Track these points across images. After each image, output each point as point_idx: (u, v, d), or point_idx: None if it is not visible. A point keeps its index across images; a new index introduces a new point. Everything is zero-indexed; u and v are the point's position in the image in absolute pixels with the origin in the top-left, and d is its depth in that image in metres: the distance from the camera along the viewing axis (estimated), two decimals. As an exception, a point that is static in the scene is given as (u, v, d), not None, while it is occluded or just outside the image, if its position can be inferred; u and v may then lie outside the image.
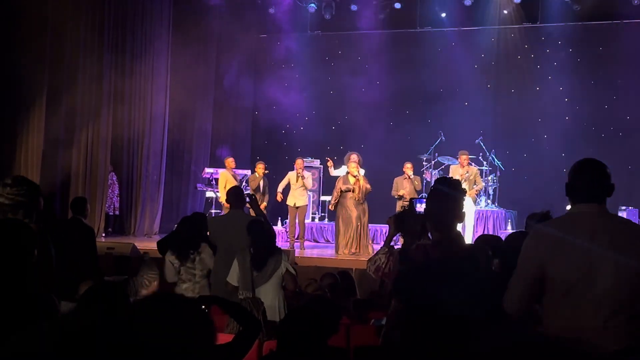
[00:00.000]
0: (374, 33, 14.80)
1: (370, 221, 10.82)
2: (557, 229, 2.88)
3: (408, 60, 14.61)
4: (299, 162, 11.38)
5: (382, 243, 11.63)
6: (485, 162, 12.85)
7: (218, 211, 12.49)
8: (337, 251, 10.62)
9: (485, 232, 11.70)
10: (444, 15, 14.35)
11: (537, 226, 3.01)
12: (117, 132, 12.48)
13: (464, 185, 10.60)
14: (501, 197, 12.98)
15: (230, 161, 11.86)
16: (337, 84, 15.04)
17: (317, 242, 12.70)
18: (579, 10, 13.41)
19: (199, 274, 5.85)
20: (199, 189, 13.40)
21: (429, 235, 3.47)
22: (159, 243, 6.44)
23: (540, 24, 14.09)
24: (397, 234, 5.23)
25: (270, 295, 5.10)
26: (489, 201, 12.67)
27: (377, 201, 10.95)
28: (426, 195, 3.83)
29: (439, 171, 12.80)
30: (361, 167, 10.80)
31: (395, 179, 11.32)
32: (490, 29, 14.47)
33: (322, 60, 15.33)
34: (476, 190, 11.32)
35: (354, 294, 6.29)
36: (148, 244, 10.96)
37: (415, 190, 11.06)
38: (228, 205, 11.25)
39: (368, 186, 10.42)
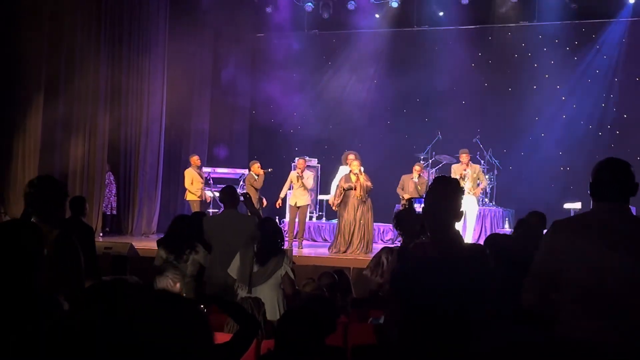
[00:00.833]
0: (371, 32, 14.80)
1: (371, 219, 10.82)
2: (574, 227, 2.88)
3: (405, 59, 14.62)
4: (300, 162, 11.40)
5: (380, 242, 11.69)
6: (482, 161, 12.86)
7: (216, 210, 12.47)
8: (329, 248, 10.65)
9: (483, 231, 11.73)
10: (441, 14, 14.36)
11: (556, 221, 3.02)
12: (114, 131, 12.45)
13: (467, 184, 10.62)
14: (498, 196, 12.99)
15: (195, 159, 11.95)
16: (334, 83, 15.05)
17: (315, 241, 12.71)
18: (575, 8, 13.42)
19: (190, 272, 5.86)
20: (196, 188, 13.39)
21: (428, 234, 3.47)
22: (159, 242, 6.44)
23: (537, 23, 14.10)
24: (397, 233, 5.24)
25: (268, 295, 5.10)
26: (486, 200, 12.68)
27: (376, 200, 10.95)
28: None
29: (436, 170, 12.81)
30: (344, 165, 10.92)
31: (403, 176, 11.41)
32: (487, 28, 14.49)
33: (320, 59, 15.33)
34: (481, 189, 11.33)
35: (349, 293, 6.30)
36: (146, 244, 10.95)
37: (418, 194, 11.08)
38: (191, 200, 11.40)
39: (369, 183, 10.44)
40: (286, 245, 10.60)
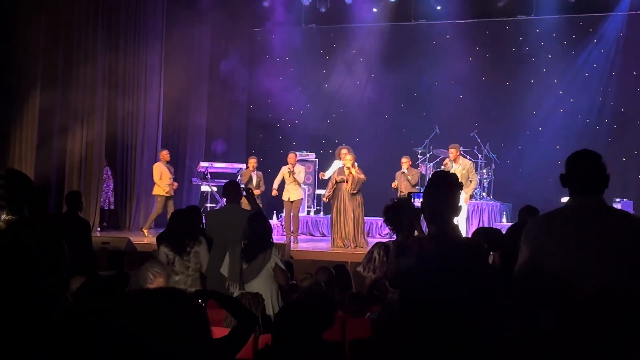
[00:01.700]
0: (368, 26, 14.79)
1: (365, 214, 10.82)
2: (552, 220, 2.89)
3: (403, 53, 14.61)
4: (291, 157, 11.35)
5: (377, 236, 11.68)
6: (480, 155, 12.87)
7: (213, 205, 12.49)
8: (332, 244, 10.63)
9: (481, 225, 11.72)
10: (438, 8, 14.35)
11: (537, 215, 3.03)
12: (112, 126, 12.43)
13: None
14: (496, 190, 13.00)
15: (164, 154, 11.82)
16: (331, 77, 15.04)
17: (313, 235, 12.71)
18: (573, 2, 13.41)
19: (193, 267, 5.86)
20: (194, 182, 13.40)
21: (425, 228, 3.47)
22: (158, 237, 6.45)
23: (534, 17, 14.09)
24: (388, 228, 5.22)
25: (261, 290, 5.08)
26: (484, 194, 12.69)
27: (372, 194, 10.94)
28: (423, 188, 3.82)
29: (434, 164, 12.81)
30: (337, 159, 10.93)
31: (397, 173, 11.43)
32: (485, 22, 14.48)
33: (317, 54, 15.30)
34: (471, 189, 11.04)
35: (349, 287, 6.29)
36: (143, 239, 10.95)
37: (410, 185, 11.06)
38: (158, 195, 11.37)
39: (362, 176, 10.42)
40: (284, 240, 10.63)
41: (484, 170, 12.78)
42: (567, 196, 3.02)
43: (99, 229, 11.87)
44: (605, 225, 2.80)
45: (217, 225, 6.27)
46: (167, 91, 13.29)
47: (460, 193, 3.09)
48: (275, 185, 11.41)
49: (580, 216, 2.85)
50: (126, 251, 8.56)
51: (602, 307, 2.70)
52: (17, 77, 11.21)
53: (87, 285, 3.09)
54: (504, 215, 12.28)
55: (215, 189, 12.81)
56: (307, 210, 13.36)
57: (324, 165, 13.31)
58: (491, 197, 12.79)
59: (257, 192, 10.77)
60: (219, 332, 3.54)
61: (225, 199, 6.85)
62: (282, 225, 11.85)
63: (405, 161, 11.29)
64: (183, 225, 5.98)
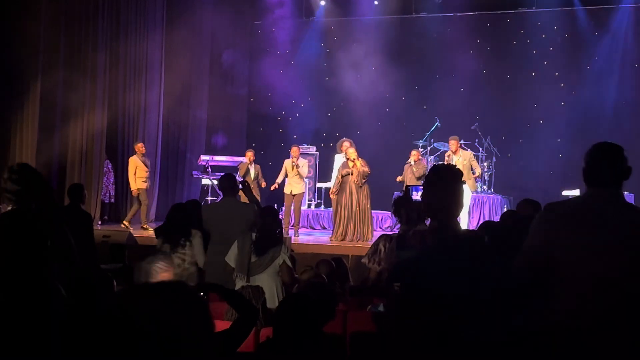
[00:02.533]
0: (369, 19, 14.75)
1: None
2: (564, 211, 2.87)
3: (404, 46, 14.58)
4: (294, 150, 11.37)
5: (379, 229, 11.70)
6: (481, 148, 12.86)
7: (214, 198, 12.49)
8: (334, 237, 10.63)
9: (481, 218, 11.74)
10: (439, 0, 14.31)
11: (549, 203, 3.02)
12: (112, 119, 12.43)
13: None
14: (497, 183, 13.00)
15: (140, 146, 11.67)
16: (332, 70, 15.00)
17: (313, 228, 12.72)
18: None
19: (189, 260, 5.87)
20: (194, 176, 13.40)
21: (426, 221, 3.47)
22: (156, 230, 6.45)
23: (536, 9, 14.06)
24: (395, 220, 5.24)
25: (267, 284, 5.10)
26: (484, 187, 12.68)
27: (374, 187, 10.95)
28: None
29: (435, 157, 12.80)
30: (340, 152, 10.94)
31: (405, 165, 11.45)
32: (486, 14, 14.44)
33: (318, 47, 15.27)
34: (476, 177, 11.29)
35: (347, 280, 6.31)
36: (144, 232, 10.96)
37: (415, 177, 11.07)
38: (137, 192, 11.32)
39: (366, 169, 10.42)
40: (286, 234, 10.65)
41: (485, 164, 12.77)
42: (568, 189, 3.01)
43: (99, 223, 11.88)
44: (618, 218, 2.78)
45: (214, 219, 6.26)
46: (167, 84, 13.27)
47: (462, 187, 3.08)
48: (280, 179, 11.43)
49: (593, 208, 2.83)
50: (127, 245, 8.57)
51: (610, 299, 2.69)
52: (17, 70, 11.20)
53: (92, 278, 3.10)
54: (505, 209, 12.26)
55: (215, 182, 12.79)
56: (308, 204, 13.37)
57: (324, 158, 13.32)
58: (492, 190, 12.78)
59: (263, 184, 10.86)
60: (221, 325, 3.55)
61: (222, 192, 6.85)
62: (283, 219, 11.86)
63: (414, 153, 11.34)
64: (181, 218, 5.98)
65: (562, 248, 2.79)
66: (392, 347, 3.12)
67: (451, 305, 2.85)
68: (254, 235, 5.41)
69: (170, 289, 1.80)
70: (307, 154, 13.70)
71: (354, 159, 10.40)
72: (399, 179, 11.31)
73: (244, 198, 6.97)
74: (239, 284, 5.25)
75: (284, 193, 11.41)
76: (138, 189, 11.38)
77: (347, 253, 8.85)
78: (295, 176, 11.16)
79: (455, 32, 14.33)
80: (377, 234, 8.32)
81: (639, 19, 13.41)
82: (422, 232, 3.25)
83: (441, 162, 10.77)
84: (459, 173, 3.08)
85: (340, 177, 10.55)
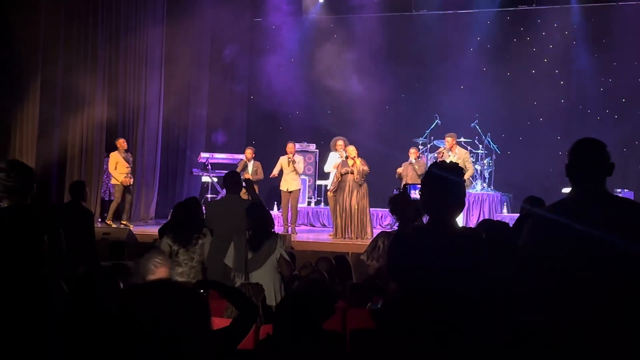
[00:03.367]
0: (369, 16, 14.74)
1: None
2: (554, 215, 2.87)
3: (403, 43, 14.58)
4: (290, 147, 11.34)
5: (378, 227, 11.71)
6: (481, 146, 12.85)
7: (214, 196, 12.50)
8: (335, 235, 10.63)
9: (481, 216, 11.74)
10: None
11: (536, 212, 3.00)
12: (112, 117, 12.42)
13: None
14: (497, 181, 12.99)
15: (121, 142, 11.65)
16: (332, 68, 14.98)
17: (313, 226, 12.72)
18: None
19: (197, 258, 5.86)
20: (194, 173, 13.40)
21: (424, 219, 3.47)
22: (160, 229, 6.45)
23: (536, 7, 14.06)
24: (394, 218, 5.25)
25: (265, 280, 5.11)
26: (484, 184, 12.68)
27: (373, 185, 10.96)
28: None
29: (434, 155, 12.80)
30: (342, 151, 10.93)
31: (403, 164, 11.43)
32: (486, 12, 14.43)
33: (317, 44, 15.25)
34: (467, 177, 11.20)
35: (350, 278, 6.31)
36: (144, 230, 10.97)
37: (417, 175, 11.08)
38: (115, 184, 11.27)
39: (365, 167, 10.42)
40: (281, 231, 10.64)
41: (485, 161, 12.77)
42: (567, 187, 3.00)
43: (99, 220, 11.88)
44: (606, 212, 2.78)
45: (217, 216, 6.28)
46: (167, 82, 13.27)
47: (462, 184, 3.08)
48: (275, 172, 11.39)
49: (581, 205, 2.83)
50: (127, 242, 8.58)
51: (608, 298, 2.69)
52: (17, 67, 11.19)
53: (87, 274, 3.10)
54: (505, 206, 12.28)
55: (215, 179, 12.82)
56: (308, 201, 13.37)
57: (324, 156, 13.32)
58: (492, 187, 12.78)
59: (256, 176, 10.99)
60: (221, 322, 3.56)
61: (225, 190, 6.87)
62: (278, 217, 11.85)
63: (413, 152, 11.36)
64: (187, 216, 5.97)
65: (556, 252, 2.79)
66: (391, 345, 3.12)
67: (449, 303, 2.85)
68: (247, 233, 5.42)
69: (170, 288, 1.80)
70: (307, 151, 13.71)
71: (354, 157, 10.40)
72: (399, 170, 11.32)
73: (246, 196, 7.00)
74: (238, 282, 5.26)
75: (280, 190, 11.40)
76: (115, 185, 11.45)
77: (347, 251, 8.85)
78: (292, 172, 11.14)
79: (455, 29, 14.32)
80: (377, 231, 8.32)
81: (638, 17, 13.38)
82: (420, 229, 3.25)
83: (438, 160, 10.78)
84: (460, 170, 3.09)
85: (339, 175, 10.54)
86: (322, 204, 13.54)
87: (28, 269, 2.75)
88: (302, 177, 12.09)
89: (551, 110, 13.97)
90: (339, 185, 10.54)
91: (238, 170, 11.18)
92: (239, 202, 6.43)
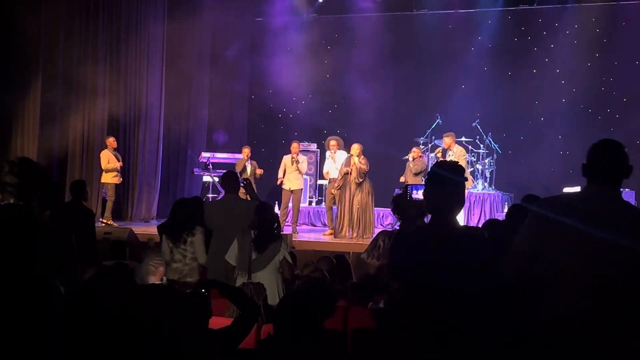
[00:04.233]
0: (370, 16, 14.74)
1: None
2: (558, 207, 2.85)
3: (404, 43, 14.57)
4: (294, 146, 11.37)
5: (379, 226, 11.70)
6: (482, 145, 12.84)
7: (215, 195, 12.50)
8: (336, 235, 10.63)
9: (482, 215, 11.75)
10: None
11: (541, 200, 2.99)
12: (113, 116, 12.43)
13: None
14: (498, 180, 12.98)
15: (111, 140, 11.60)
16: (333, 67, 14.98)
17: (314, 225, 12.71)
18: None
19: (190, 256, 5.90)
20: (195, 173, 13.41)
21: (426, 218, 3.47)
22: (159, 227, 6.50)
23: (536, 6, 14.05)
24: (396, 218, 5.25)
25: (267, 281, 5.12)
26: (485, 184, 12.68)
27: (374, 184, 10.95)
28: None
29: (434, 155, 12.80)
30: (342, 150, 10.88)
31: (406, 164, 11.46)
32: (487, 12, 14.43)
33: (318, 44, 15.25)
34: None
35: (349, 277, 6.32)
36: (145, 229, 10.97)
37: (412, 173, 11.08)
38: (107, 183, 11.22)
39: (363, 167, 10.42)
40: (290, 231, 10.65)
41: (486, 161, 12.76)
42: (569, 187, 3.00)
43: (100, 219, 11.88)
44: (616, 216, 2.76)
45: (216, 216, 6.29)
46: (168, 81, 13.27)
47: (462, 183, 3.08)
48: (280, 174, 11.43)
49: (589, 205, 2.81)
50: (128, 241, 8.58)
51: (609, 298, 2.69)
52: (18, 67, 11.21)
53: (96, 276, 3.11)
54: (506, 206, 12.26)
55: (216, 179, 12.82)
56: (309, 201, 13.37)
57: (325, 156, 13.32)
58: (493, 187, 12.78)
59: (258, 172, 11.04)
60: (222, 322, 3.56)
61: (224, 189, 6.89)
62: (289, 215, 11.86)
63: (415, 150, 11.38)
64: (184, 214, 6.01)
65: (558, 248, 2.78)
66: (392, 344, 3.12)
67: (449, 302, 2.85)
68: (253, 232, 5.42)
69: (170, 289, 1.80)
70: (308, 151, 13.72)
71: (356, 155, 10.40)
72: (402, 179, 11.33)
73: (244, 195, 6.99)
74: (240, 281, 5.27)
75: (282, 189, 11.41)
76: (107, 183, 11.41)
77: (348, 250, 8.86)
78: (295, 172, 11.16)
79: (456, 29, 14.32)
80: (378, 230, 8.33)
81: (639, 16, 13.37)
82: (422, 228, 3.25)
83: (441, 160, 10.78)
84: (459, 169, 3.09)
85: (342, 174, 10.58)
86: (324, 203, 13.54)
87: (27, 270, 2.74)
88: (304, 176, 12.09)
89: (552, 110, 13.96)
90: (342, 184, 10.57)
91: (237, 170, 11.18)
92: (238, 202, 6.44)
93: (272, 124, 15.46)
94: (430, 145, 12.85)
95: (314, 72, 15.01)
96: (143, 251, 5.80)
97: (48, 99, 11.37)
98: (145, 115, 12.95)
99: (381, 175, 11.61)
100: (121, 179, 11.70)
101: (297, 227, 11.34)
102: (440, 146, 12.53)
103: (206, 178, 13.17)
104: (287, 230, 10.98)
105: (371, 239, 5.85)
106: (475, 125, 12.96)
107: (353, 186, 10.45)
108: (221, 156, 13.21)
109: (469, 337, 2.83)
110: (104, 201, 12.40)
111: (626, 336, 2.69)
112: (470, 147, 12.54)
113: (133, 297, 1.78)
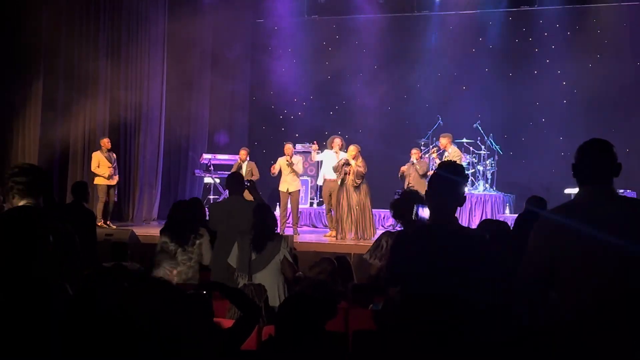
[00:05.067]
0: (371, 17, 14.74)
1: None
2: (560, 217, 2.82)
3: (406, 44, 14.58)
4: (287, 148, 11.32)
5: (380, 228, 11.69)
6: (483, 146, 12.85)
7: (216, 197, 12.51)
8: (337, 236, 10.62)
9: (484, 216, 11.73)
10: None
11: (542, 216, 2.97)
12: (114, 118, 12.44)
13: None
14: (499, 181, 12.99)
15: (105, 142, 11.49)
16: (334, 69, 14.99)
17: (315, 227, 12.71)
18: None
19: (195, 258, 5.88)
20: (197, 174, 13.41)
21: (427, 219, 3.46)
22: (162, 230, 6.45)
23: (538, 7, 14.05)
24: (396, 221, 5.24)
25: (268, 281, 5.12)
26: (487, 185, 12.68)
27: (375, 185, 10.95)
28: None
29: (430, 155, 12.79)
30: (343, 151, 10.90)
31: (407, 164, 11.45)
32: (488, 13, 14.43)
33: (320, 45, 15.26)
34: None
35: (350, 279, 6.31)
36: (147, 230, 10.97)
37: (419, 175, 11.08)
38: (98, 184, 11.16)
39: (361, 169, 10.40)
40: (292, 232, 10.65)
41: (487, 162, 12.76)
42: (570, 187, 3.00)
43: (102, 221, 11.88)
44: (615, 213, 2.76)
45: (220, 217, 6.29)
46: (169, 83, 13.28)
47: (465, 184, 3.09)
48: (275, 170, 11.34)
49: (589, 206, 2.80)
50: (129, 243, 8.58)
51: (612, 298, 2.68)
52: (20, 66, 11.22)
53: (92, 276, 3.11)
54: (507, 207, 12.27)
55: (218, 180, 12.83)
56: (310, 202, 13.36)
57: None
58: (494, 188, 12.78)
59: (252, 177, 11.00)
60: (224, 323, 3.56)
61: (228, 191, 6.89)
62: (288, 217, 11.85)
63: (414, 152, 11.36)
64: (184, 216, 5.98)
65: (562, 254, 2.77)
66: (392, 345, 3.12)
67: (449, 303, 2.85)
68: (251, 233, 5.43)
69: (170, 289, 1.80)
70: (309, 152, 13.70)
71: (353, 158, 10.38)
72: (403, 168, 11.33)
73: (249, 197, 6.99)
74: (241, 282, 5.27)
75: (280, 191, 11.39)
76: (99, 185, 11.30)
77: (349, 251, 8.84)
78: (291, 173, 11.12)
79: (457, 30, 14.33)
80: (380, 232, 8.32)
81: (639, 16, 13.40)
82: (422, 229, 3.25)
83: (444, 160, 10.77)
84: (459, 168, 3.09)
85: (342, 173, 10.56)
86: (324, 204, 13.53)
87: (28, 270, 2.75)
88: (304, 178, 12.08)
89: (553, 111, 13.96)
90: (340, 185, 10.54)
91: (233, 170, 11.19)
92: (242, 203, 6.44)
93: (273, 126, 15.47)
94: (431, 146, 12.86)
95: (315, 74, 15.02)
96: (155, 255, 5.78)
97: (49, 98, 11.38)
98: (147, 116, 12.97)
99: (381, 177, 11.61)
100: (115, 180, 11.58)
101: (298, 229, 11.32)
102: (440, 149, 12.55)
103: (207, 179, 13.17)
104: (288, 231, 10.98)
105: (372, 240, 5.86)
106: (476, 127, 12.97)
107: (350, 189, 10.44)
108: (222, 158, 13.21)
109: (469, 337, 2.83)
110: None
111: (629, 338, 2.68)
112: (471, 148, 12.54)
113: (133, 297, 1.78)
